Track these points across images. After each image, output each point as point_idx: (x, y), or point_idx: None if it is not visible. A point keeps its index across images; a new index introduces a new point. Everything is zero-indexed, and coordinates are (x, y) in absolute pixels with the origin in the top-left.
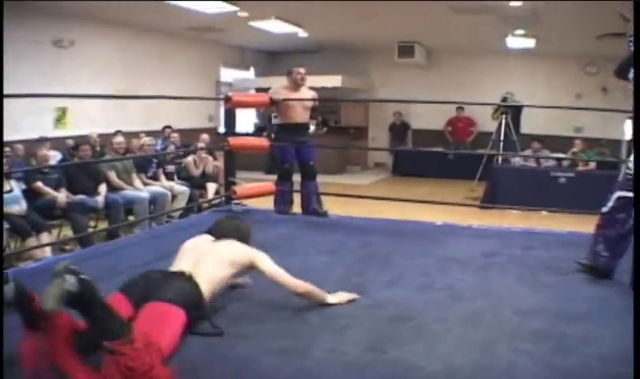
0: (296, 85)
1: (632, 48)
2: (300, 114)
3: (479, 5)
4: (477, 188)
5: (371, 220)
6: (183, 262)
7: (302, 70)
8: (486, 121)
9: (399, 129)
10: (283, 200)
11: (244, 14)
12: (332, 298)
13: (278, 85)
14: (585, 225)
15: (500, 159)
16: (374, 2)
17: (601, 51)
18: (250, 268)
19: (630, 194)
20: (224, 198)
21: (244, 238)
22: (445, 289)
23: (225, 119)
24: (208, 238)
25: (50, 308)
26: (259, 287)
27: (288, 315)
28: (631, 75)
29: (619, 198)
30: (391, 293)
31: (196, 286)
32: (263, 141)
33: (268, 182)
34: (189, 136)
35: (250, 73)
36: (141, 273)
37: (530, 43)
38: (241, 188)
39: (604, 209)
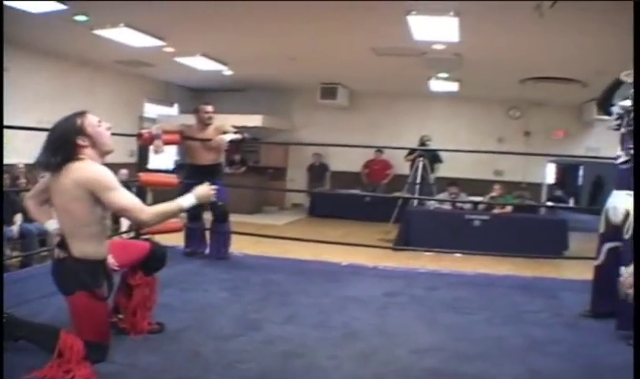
0: (203, 125)
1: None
2: (204, 157)
3: (401, 48)
4: (393, 230)
5: (277, 259)
6: None
7: (209, 108)
8: (404, 164)
9: (318, 171)
10: (194, 238)
11: (170, 49)
12: (187, 199)
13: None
14: (497, 266)
15: (416, 202)
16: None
17: (525, 95)
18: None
19: (618, 243)
20: (133, 233)
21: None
22: (340, 327)
23: (139, 155)
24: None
25: None
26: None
27: (180, 347)
28: (616, 108)
29: (610, 250)
30: (285, 330)
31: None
32: (172, 178)
33: (177, 220)
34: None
35: (173, 110)
36: None
37: (453, 86)
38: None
39: (597, 262)
